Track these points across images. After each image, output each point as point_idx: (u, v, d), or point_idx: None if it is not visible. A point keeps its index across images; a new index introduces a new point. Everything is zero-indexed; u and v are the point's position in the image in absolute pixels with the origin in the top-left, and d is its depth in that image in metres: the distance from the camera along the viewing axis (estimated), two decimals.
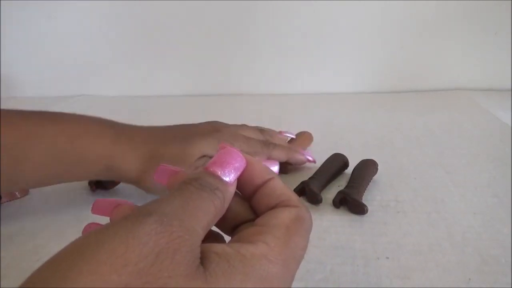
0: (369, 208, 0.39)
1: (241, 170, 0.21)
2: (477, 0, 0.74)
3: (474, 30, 0.77)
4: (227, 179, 0.20)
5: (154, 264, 0.15)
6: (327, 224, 0.37)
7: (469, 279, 0.30)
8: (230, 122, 0.68)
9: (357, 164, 0.45)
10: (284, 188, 0.22)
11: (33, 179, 0.37)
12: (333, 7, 0.77)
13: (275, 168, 0.43)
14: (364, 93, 0.82)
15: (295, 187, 0.43)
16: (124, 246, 0.15)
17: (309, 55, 0.82)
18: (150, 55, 0.85)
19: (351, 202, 0.39)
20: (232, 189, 0.20)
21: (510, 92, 0.77)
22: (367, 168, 0.44)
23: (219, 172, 0.20)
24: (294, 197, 0.22)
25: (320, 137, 0.59)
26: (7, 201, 0.44)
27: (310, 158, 0.48)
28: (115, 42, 0.84)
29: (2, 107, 0.36)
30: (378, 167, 0.45)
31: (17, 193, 0.45)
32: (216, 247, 0.18)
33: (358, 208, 0.38)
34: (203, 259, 0.17)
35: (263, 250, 0.18)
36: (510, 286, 0.29)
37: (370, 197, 0.41)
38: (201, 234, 0.18)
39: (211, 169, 0.20)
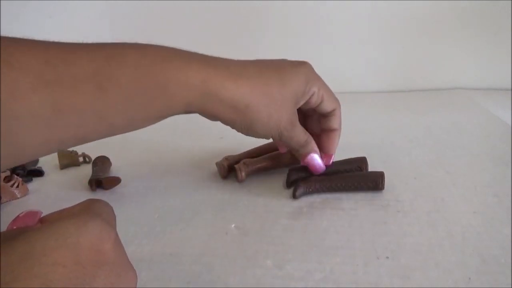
0: (369, 207, 0.39)
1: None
2: (477, 0, 0.74)
3: (474, 30, 0.77)
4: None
5: None
6: (327, 224, 0.37)
7: (469, 279, 0.30)
8: None
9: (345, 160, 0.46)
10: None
11: (119, 112, 0.32)
12: (332, 7, 0.77)
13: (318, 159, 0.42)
14: (364, 93, 0.82)
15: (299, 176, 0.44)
16: None
17: (309, 55, 0.81)
18: None
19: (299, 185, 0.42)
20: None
21: (510, 91, 0.77)
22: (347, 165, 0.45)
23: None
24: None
25: None
26: (7, 201, 0.44)
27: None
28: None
29: None
30: (371, 165, 0.45)
31: (17, 192, 0.45)
32: None
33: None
34: None
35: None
36: (510, 286, 0.29)
37: (370, 197, 0.41)
38: None
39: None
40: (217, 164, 0.49)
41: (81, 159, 0.53)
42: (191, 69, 0.33)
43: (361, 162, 0.45)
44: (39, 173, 0.50)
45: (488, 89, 0.80)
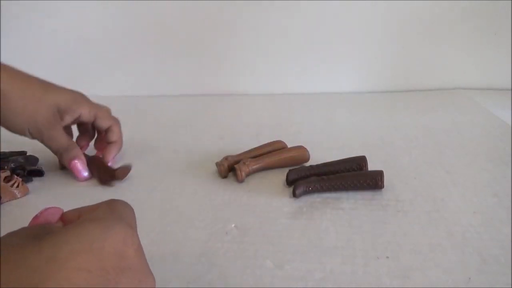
0: (369, 207, 0.39)
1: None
2: (477, 0, 0.74)
3: (474, 30, 0.77)
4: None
5: None
6: (327, 224, 0.37)
7: (469, 278, 0.30)
8: (230, 123, 0.69)
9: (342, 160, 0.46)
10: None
11: None
12: (333, 7, 0.77)
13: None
14: (364, 93, 0.82)
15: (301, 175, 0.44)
16: None
17: (309, 55, 0.81)
18: (150, 55, 0.85)
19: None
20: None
21: (509, 91, 0.77)
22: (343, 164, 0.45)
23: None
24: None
25: (320, 137, 0.59)
26: (7, 201, 0.44)
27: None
28: (114, 42, 0.84)
29: None
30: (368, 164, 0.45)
31: (17, 192, 0.45)
32: None
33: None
34: None
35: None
36: (510, 286, 0.29)
37: (370, 197, 0.41)
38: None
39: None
40: (217, 164, 0.49)
41: None
42: None
43: (360, 160, 0.45)
44: (39, 173, 0.50)
45: (488, 89, 0.80)
